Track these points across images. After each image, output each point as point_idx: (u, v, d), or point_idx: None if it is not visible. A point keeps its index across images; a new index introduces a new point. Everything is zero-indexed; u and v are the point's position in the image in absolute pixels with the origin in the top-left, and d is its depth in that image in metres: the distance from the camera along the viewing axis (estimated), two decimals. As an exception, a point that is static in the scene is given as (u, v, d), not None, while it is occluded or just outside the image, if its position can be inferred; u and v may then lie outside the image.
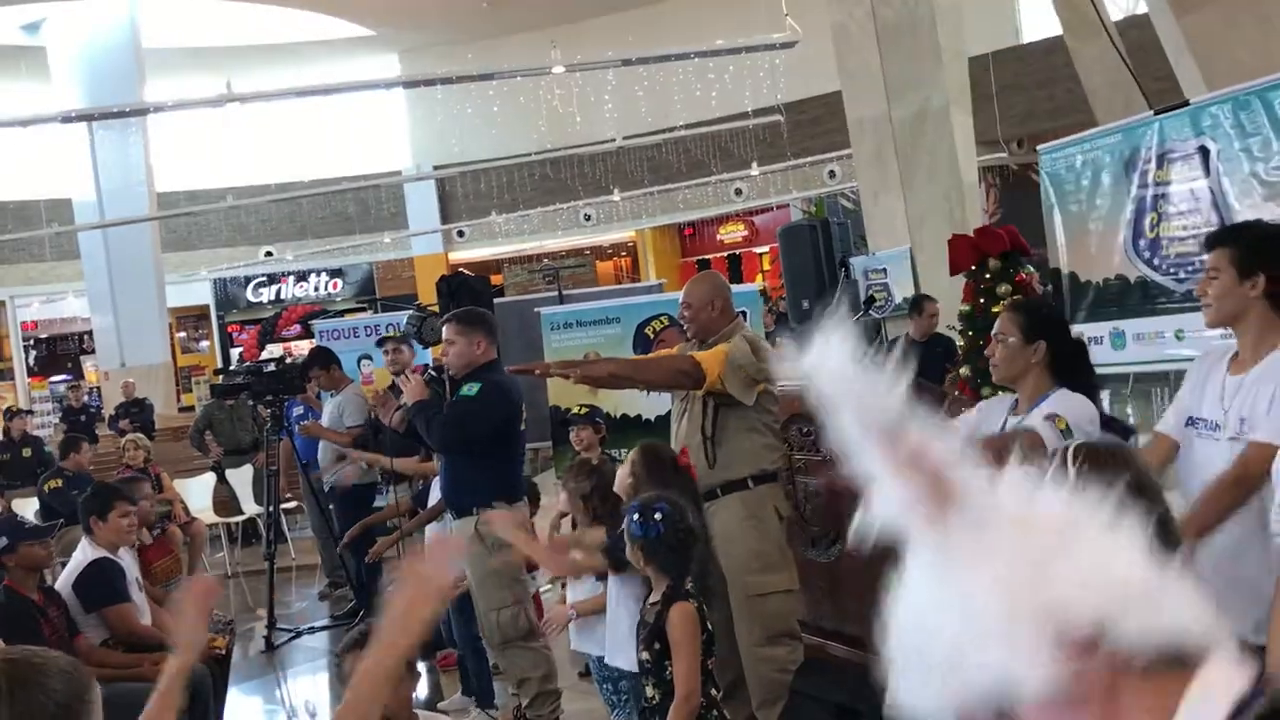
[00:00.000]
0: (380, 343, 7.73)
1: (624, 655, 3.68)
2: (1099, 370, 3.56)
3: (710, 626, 3.31)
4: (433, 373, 4.94)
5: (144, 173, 18.32)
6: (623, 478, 3.85)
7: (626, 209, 20.52)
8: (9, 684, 1.80)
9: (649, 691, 3.29)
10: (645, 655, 3.30)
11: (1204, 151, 4.94)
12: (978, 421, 3.47)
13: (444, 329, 4.90)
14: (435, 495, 5.79)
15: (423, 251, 22.74)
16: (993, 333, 3.41)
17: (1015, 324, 3.31)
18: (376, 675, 1.90)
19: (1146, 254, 5.28)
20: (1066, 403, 3.18)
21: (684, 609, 3.21)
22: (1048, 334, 3.29)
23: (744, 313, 8.69)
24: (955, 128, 9.46)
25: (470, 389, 4.71)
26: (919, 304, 8.23)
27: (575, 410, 5.72)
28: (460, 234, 22.16)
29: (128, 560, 5.20)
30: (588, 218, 21.13)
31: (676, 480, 3.68)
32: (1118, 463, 2.39)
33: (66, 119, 12.70)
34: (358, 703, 1.90)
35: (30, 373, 22.37)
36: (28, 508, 9.05)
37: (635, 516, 3.27)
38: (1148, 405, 6.33)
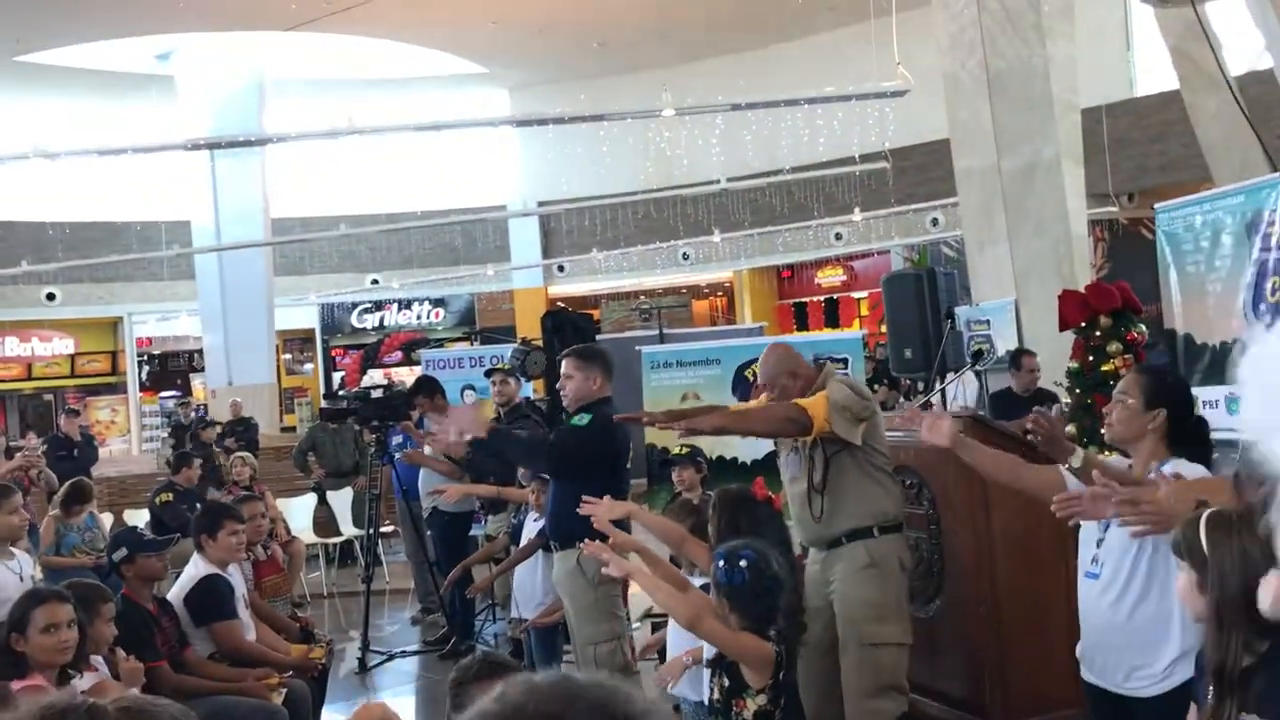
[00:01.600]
0: (488, 373, 7.86)
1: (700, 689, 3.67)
2: (1211, 435, 3.48)
3: (781, 676, 3.28)
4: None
5: (261, 199, 18.94)
6: (710, 530, 3.84)
7: (725, 249, 20.58)
8: None
9: None
10: (715, 693, 3.29)
11: (1332, 216, 4.83)
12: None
13: (563, 363, 4.99)
14: (529, 528, 5.86)
15: (523, 285, 23.08)
16: (1115, 392, 3.38)
17: (1138, 387, 3.28)
18: None
19: (1267, 318, 5.15)
20: (1184, 473, 3.13)
21: (757, 639, 3.21)
22: (1169, 402, 3.24)
23: (846, 359, 8.67)
24: (1066, 180, 9.35)
25: (582, 419, 4.80)
26: (1018, 358, 8.12)
27: (677, 451, 5.75)
28: (561, 269, 22.45)
29: (237, 577, 5.36)
30: (686, 256, 21.24)
31: (762, 515, 3.66)
32: (1248, 527, 2.37)
33: (194, 146, 13.21)
34: None
35: (142, 387, 23.15)
36: (139, 519, 9.37)
37: (720, 564, 3.25)
38: (1260, 472, 6.12)
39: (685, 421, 4.06)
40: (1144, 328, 6.06)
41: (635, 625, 6.46)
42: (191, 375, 23.70)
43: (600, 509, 4.06)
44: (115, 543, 5.18)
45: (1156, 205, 6.09)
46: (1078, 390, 5.93)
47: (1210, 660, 2.39)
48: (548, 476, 5.21)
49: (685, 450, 5.82)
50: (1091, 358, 5.85)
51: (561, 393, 4.98)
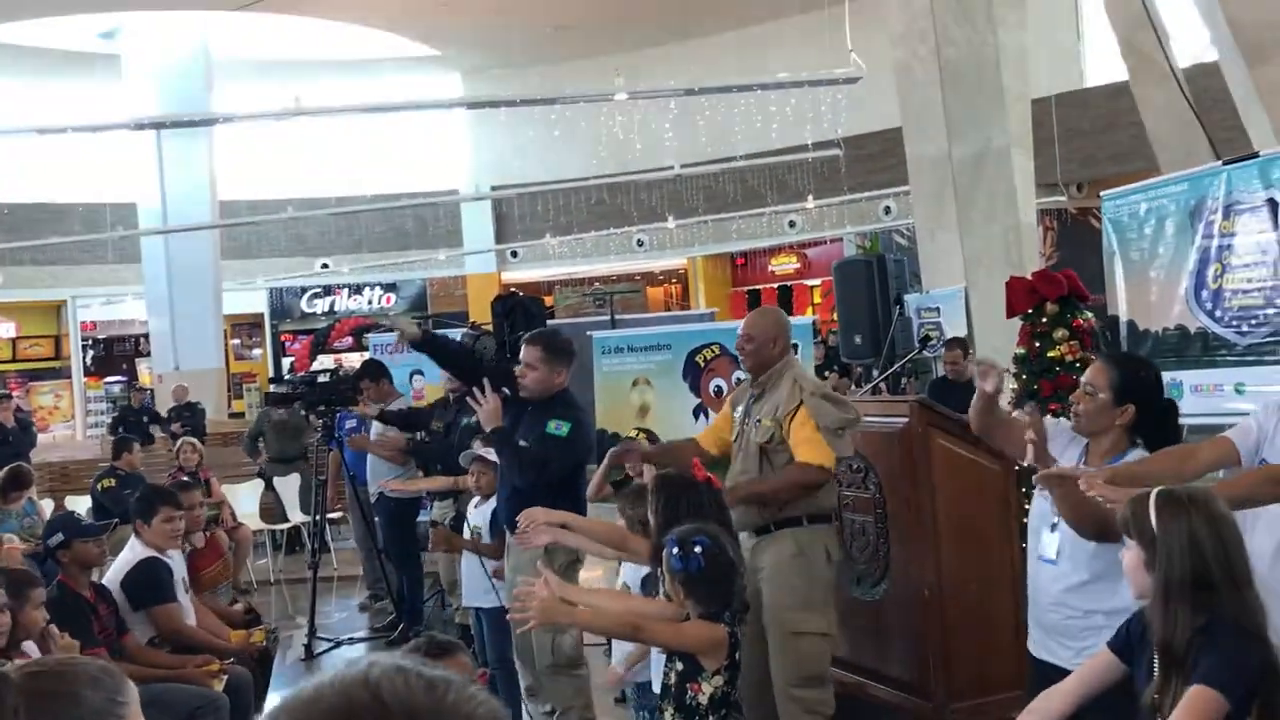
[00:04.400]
0: None
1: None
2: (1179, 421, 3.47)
3: (738, 656, 3.26)
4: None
5: (208, 181, 18.64)
6: (649, 516, 3.72)
7: (679, 236, 20.56)
8: (30, 700, 1.74)
9: (667, 716, 3.25)
10: (670, 678, 3.26)
11: (1273, 204, 4.87)
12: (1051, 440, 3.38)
13: (525, 348, 4.81)
14: (472, 515, 5.78)
15: (476, 270, 22.92)
16: (1082, 381, 3.33)
17: (1108, 382, 3.21)
18: None
19: (1209, 305, 5.21)
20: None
21: (709, 624, 3.17)
22: (1139, 398, 3.20)
23: (795, 345, 8.66)
24: (1015, 169, 9.41)
25: (560, 429, 4.65)
26: (948, 346, 8.20)
27: (633, 434, 5.64)
28: (514, 254, 22.32)
29: (176, 561, 5.27)
30: (640, 243, 21.19)
31: (703, 497, 3.61)
32: (1196, 508, 2.40)
33: (139, 126, 12.97)
34: None
35: (87, 372, 22.75)
36: (79, 505, 9.21)
37: (675, 550, 3.17)
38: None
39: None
40: (1090, 314, 6.10)
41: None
42: (137, 360, 23.32)
43: (537, 518, 3.98)
44: (51, 528, 5.08)
45: (1102, 192, 6.14)
46: (1024, 376, 5.94)
47: (1157, 637, 2.43)
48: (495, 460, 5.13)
49: (641, 435, 5.71)
50: (1038, 344, 5.86)
51: (521, 380, 4.80)
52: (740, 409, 4.49)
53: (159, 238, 18.10)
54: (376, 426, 7.74)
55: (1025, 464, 3.25)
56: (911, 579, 4.60)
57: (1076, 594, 3.23)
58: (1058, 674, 3.33)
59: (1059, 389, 5.60)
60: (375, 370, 7.79)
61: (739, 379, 4.65)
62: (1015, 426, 3.38)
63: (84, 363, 22.70)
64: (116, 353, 23.95)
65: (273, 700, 5.71)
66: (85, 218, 19.24)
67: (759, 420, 4.30)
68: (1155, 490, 2.49)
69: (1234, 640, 2.33)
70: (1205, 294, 5.22)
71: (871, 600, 4.78)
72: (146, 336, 20.28)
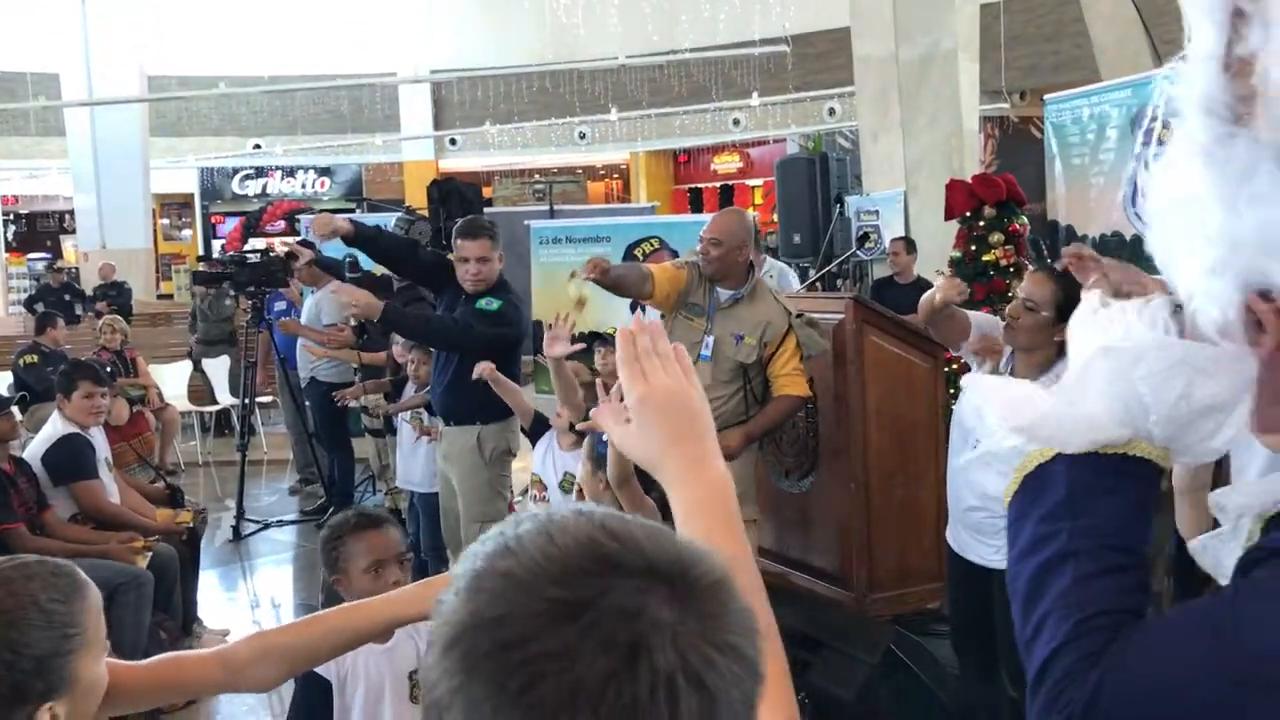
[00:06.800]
0: None
1: None
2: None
3: None
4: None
5: (135, 53, 17.94)
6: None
7: (622, 130, 20.27)
8: None
9: None
10: None
11: (1212, 113, 4.90)
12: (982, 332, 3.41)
13: (473, 243, 4.64)
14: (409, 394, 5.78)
15: (413, 157, 22.44)
16: (1021, 295, 3.23)
17: (1052, 299, 3.12)
18: (353, 620, 1.79)
19: (1145, 211, 5.27)
20: None
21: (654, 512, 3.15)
22: None
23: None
24: (961, 73, 9.36)
25: (490, 304, 4.60)
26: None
27: (612, 330, 5.42)
28: (453, 142, 21.87)
29: (99, 439, 5.18)
30: (582, 136, 20.88)
31: None
32: None
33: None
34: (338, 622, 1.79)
35: (9, 248, 22.10)
36: (0, 381, 9.01)
37: (603, 436, 3.16)
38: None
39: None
40: (1026, 220, 6.15)
41: (518, 499, 6.46)
42: (62, 237, 22.69)
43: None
44: (-50, 413, 4.94)
45: (1046, 97, 6.13)
46: (958, 278, 6.00)
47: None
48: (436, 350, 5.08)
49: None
50: (974, 247, 5.91)
51: (476, 278, 4.64)
52: (692, 308, 4.23)
53: (84, 111, 17.45)
54: (308, 309, 7.61)
55: (959, 353, 3.27)
56: (838, 472, 4.67)
57: (1001, 500, 3.28)
58: (977, 569, 3.42)
59: (992, 292, 5.68)
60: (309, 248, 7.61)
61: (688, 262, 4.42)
62: (957, 318, 3.41)
63: (5, 238, 22.04)
64: (40, 229, 23.29)
65: (206, 579, 5.72)
66: (3, 86, 18.46)
67: (742, 337, 4.13)
68: None
69: None
70: (1142, 201, 5.27)
71: (798, 492, 4.85)
72: (72, 213, 19.69)
